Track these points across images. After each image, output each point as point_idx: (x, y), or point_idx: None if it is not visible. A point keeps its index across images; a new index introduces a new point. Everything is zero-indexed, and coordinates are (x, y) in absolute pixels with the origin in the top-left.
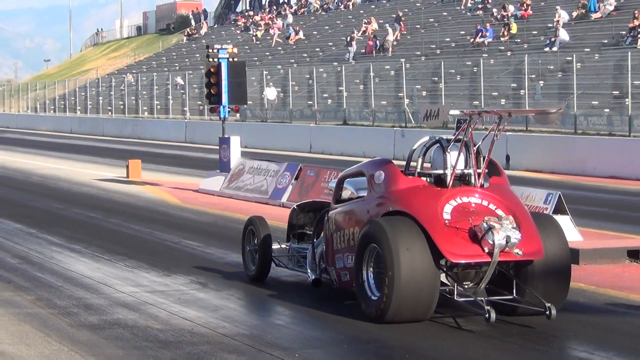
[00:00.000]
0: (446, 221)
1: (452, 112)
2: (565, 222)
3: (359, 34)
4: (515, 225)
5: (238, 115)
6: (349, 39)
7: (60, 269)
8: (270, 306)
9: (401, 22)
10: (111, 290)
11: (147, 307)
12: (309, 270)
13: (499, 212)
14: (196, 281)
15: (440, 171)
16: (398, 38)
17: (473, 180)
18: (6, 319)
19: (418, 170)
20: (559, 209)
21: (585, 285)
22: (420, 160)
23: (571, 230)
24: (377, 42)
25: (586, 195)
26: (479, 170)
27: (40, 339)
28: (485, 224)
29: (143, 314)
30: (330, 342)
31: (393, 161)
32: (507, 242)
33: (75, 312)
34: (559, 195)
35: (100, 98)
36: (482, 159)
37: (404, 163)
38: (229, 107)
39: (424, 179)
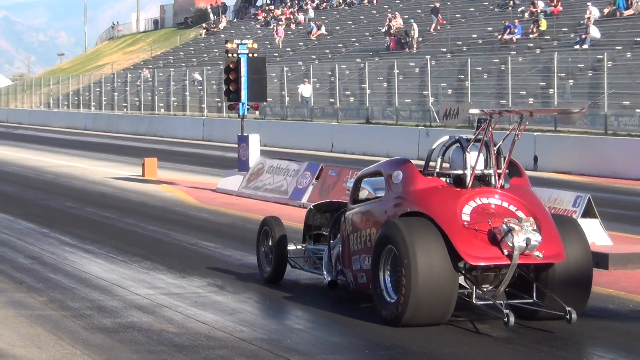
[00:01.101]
0: (465, 222)
1: (472, 111)
2: (594, 225)
3: (383, 29)
4: (535, 228)
5: (257, 112)
6: (386, 28)
7: (74, 269)
8: (288, 309)
9: (439, 14)
10: (126, 292)
11: (163, 310)
12: (325, 272)
13: (519, 213)
14: (213, 283)
15: (460, 171)
16: (437, 28)
17: (493, 181)
18: (18, 321)
19: (437, 170)
20: (588, 212)
21: (614, 291)
22: (439, 160)
23: (600, 234)
24: (404, 38)
25: (616, 198)
26: (499, 171)
27: (52, 341)
28: (504, 226)
29: (158, 317)
30: (351, 347)
31: (411, 161)
32: (527, 245)
33: (89, 314)
34: (588, 197)
35: (116, 94)
36: (502, 159)
37: (423, 163)
38: (248, 105)
39: (442, 179)
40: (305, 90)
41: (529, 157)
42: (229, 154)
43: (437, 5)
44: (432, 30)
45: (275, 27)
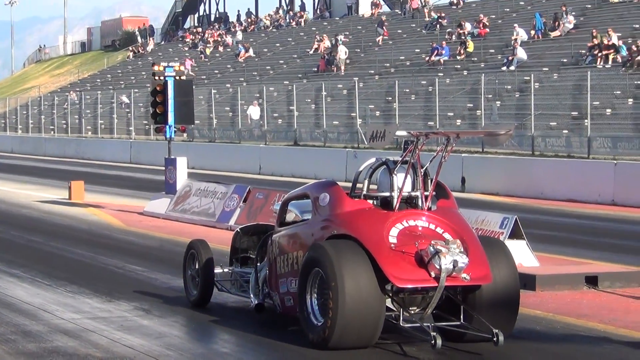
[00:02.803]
0: (392, 245)
1: (398, 133)
2: (521, 247)
3: (311, 52)
4: (462, 250)
5: (185, 135)
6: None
7: None
8: (214, 333)
9: (384, 27)
10: (51, 316)
11: (88, 334)
12: (252, 295)
13: (447, 235)
14: (140, 307)
15: (387, 194)
16: (380, 44)
17: (420, 203)
18: None
19: (364, 192)
20: (515, 234)
21: (542, 313)
22: (366, 182)
23: (528, 256)
24: (330, 58)
25: (543, 219)
26: (426, 193)
27: None
28: (432, 248)
29: (84, 341)
30: None
31: (339, 183)
32: (454, 267)
33: (13, 339)
34: (516, 219)
35: (43, 117)
36: (429, 181)
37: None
38: (175, 127)
39: (370, 201)
40: (254, 112)
41: (457, 179)
42: (156, 177)
43: (383, 18)
44: (380, 42)
45: (202, 48)
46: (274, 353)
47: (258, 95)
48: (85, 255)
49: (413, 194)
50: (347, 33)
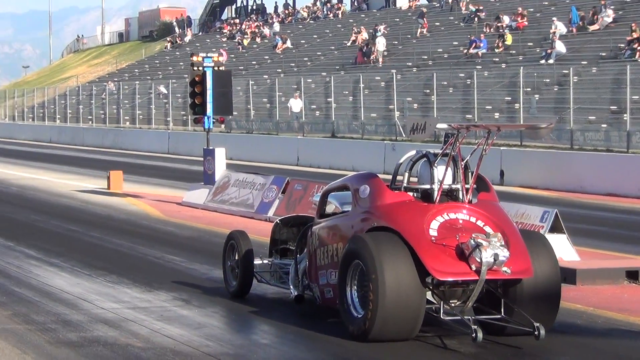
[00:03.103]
0: (433, 238)
1: (439, 125)
2: (561, 241)
3: (348, 44)
4: (503, 243)
5: (223, 126)
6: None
7: (38, 283)
8: (254, 324)
9: (424, 18)
10: (91, 306)
11: (128, 324)
12: (291, 287)
13: (487, 229)
14: (179, 297)
15: (427, 186)
16: (424, 33)
17: (461, 196)
18: None
19: (404, 184)
20: (555, 227)
21: (583, 307)
22: (406, 174)
23: (568, 250)
24: (367, 50)
25: (583, 213)
26: (466, 186)
27: (16, 356)
28: (472, 241)
29: (124, 331)
30: None
31: (379, 175)
32: (495, 260)
33: (54, 328)
34: (556, 212)
35: (81, 107)
36: (470, 174)
37: (389, 177)
38: (213, 118)
39: (410, 193)
40: (295, 104)
41: (496, 172)
42: (194, 167)
43: (424, 10)
44: (418, 35)
45: (240, 39)
46: (313, 345)
47: (295, 86)
48: (124, 245)
49: (454, 186)
50: (385, 25)
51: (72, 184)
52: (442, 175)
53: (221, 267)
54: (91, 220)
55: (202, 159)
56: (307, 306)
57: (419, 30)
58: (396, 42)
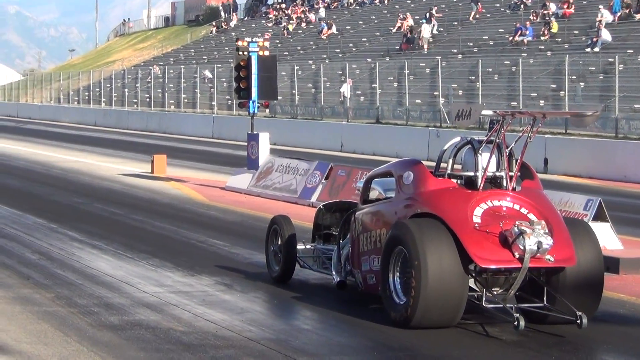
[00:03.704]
0: (476, 225)
1: (484, 112)
2: (605, 229)
3: (394, 30)
4: (547, 231)
5: (267, 111)
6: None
7: (81, 266)
8: (296, 310)
9: (479, 2)
10: (133, 289)
11: (171, 308)
12: (334, 272)
13: (531, 216)
14: (221, 282)
15: (471, 173)
16: (477, 17)
17: (505, 184)
18: (24, 317)
19: (448, 171)
20: (599, 216)
21: (626, 296)
22: (450, 161)
23: (611, 238)
24: (413, 37)
25: (627, 202)
26: (511, 173)
27: (59, 338)
28: (516, 229)
29: (166, 315)
30: (359, 348)
31: (423, 162)
32: (538, 248)
33: (96, 311)
34: (600, 201)
35: (126, 90)
36: (514, 161)
37: (433, 164)
38: (258, 103)
39: (454, 180)
40: (347, 90)
41: (539, 160)
42: (238, 152)
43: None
44: (471, 19)
45: (285, 25)
46: (355, 331)
47: (340, 72)
48: (167, 228)
49: (498, 174)
50: (436, 8)
51: (115, 168)
52: (487, 162)
53: (264, 252)
54: (134, 203)
55: (246, 143)
56: (349, 292)
57: (472, 14)
58: (442, 29)
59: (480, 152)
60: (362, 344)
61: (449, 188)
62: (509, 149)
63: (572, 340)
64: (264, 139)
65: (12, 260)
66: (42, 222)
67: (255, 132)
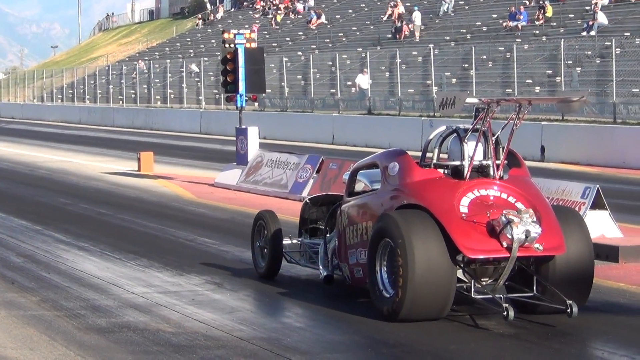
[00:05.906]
0: (463, 215)
1: (468, 100)
2: (604, 217)
3: (384, 18)
4: (535, 219)
5: (256, 104)
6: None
7: (67, 268)
8: (287, 307)
9: None
10: (121, 291)
11: (159, 309)
12: (321, 267)
13: (519, 205)
14: (211, 281)
15: (458, 162)
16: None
17: (491, 172)
18: (9, 322)
19: (434, 161)
20: (597, 204)
21: (625, 285)
22: (436, 151)
23: (610, 226)
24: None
25: (626, 189)
26: (497, 162)
27: (45, 343)
28: (503, 218)
29: (155, 316)
30: (353, 345)
31: (408, 152)
32: (526, 237)
33: (83, 314)
34: (598, 188)
35: (111, 86)
36: (501, 149)
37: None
38: (246, 96)
39: (440, 170)
40: (364, 81)
41: (536, 148)
42: (227, 147)
43: None
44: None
45: (273, 15)
46: (346, 327)
47: (330, 63)
48: (155, 227)
49: (484, 162)
50: None
51: (101, 166)
52: (473, 151)
53: None
54: (121, 202)
55: (234, 138)
56: (337, 286)
57: None
58: (432, 16)
59: (466, 140)
60: (355, 341)
61: (435, 178)
62: (495, 136)
63: (570, 331)
64: (253, 133)
65: None
66: (27, 224)
67: (243, 127)
